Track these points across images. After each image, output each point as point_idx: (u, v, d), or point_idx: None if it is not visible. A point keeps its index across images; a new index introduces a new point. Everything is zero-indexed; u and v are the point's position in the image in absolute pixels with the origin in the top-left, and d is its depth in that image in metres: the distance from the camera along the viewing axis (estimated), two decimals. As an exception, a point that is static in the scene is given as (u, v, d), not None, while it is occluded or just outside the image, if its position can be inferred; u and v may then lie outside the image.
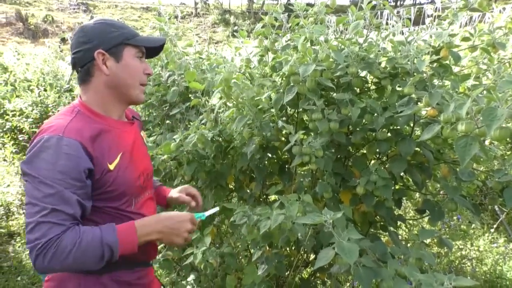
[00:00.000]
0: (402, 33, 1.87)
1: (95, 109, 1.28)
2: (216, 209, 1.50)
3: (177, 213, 1.31)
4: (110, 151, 1.23)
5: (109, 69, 1.26)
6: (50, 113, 4.39)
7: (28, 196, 1.11)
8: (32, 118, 4.48)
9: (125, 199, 1.28)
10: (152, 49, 1.40)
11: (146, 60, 1.42)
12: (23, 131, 4.61)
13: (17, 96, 4.80)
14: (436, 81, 1.57)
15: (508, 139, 1.30)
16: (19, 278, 3.42)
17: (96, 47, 1.24)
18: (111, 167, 1.22)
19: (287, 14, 1.97)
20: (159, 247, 1.82)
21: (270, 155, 2.07)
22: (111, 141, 1.25)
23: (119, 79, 1.28)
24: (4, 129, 4.80)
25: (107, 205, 1.25)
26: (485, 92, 1.42)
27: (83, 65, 1.26)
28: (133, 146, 1.34)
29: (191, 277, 2.46)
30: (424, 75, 1.45)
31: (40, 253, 1.06)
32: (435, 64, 1.64)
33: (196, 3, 34.06)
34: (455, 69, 1.82)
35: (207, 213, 1.45)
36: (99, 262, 1.13)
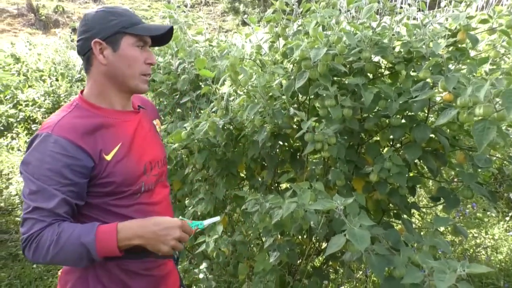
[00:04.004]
0: (415, 18, 1.82)
1: (94, 101, 1.27)
2: (217, 218, 1.37)
3: (166, 218, 1.22)
4: (107, 142, 1.22)
5: (106, 59, 1.24)
6: (62, 103, 4.42)
7: (22, 193, 1.16)
8: (45, 108, 4.52)
9: (125, 191, 1.25)
10: (159, 38, 1.34)
11: (157, 48, 1.37)
12: (36, 121, 4.66)
13: (29, 86, 4.85)
14: (452, 65, 1.52)
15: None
16: (34, 266, 3.48)
17: (94, 36, 1.22)
18: (108, 157, 1.21)
19: (297, -1, 1.93)
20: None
21: (281, 142, 2.05)
22: (109, 133, 1.24)
23: (116, 68, 1.25)
24: (18, 119, 4.86)
25: (111, 202, 1.24)
26: (503, 75, 1.38)
27: (84, 54, 1.26)
28: (135, 135, 1.31)
29: (203, 265, 2.47)
30: (440, 58, 1.40)
31: (26, 246, 1.12)
32: (451, 48, 1.60)
33: (205, -8, 33.85)
34: (472, 53, 1.77)
35: (206, 222, 1.32)
36: (80, 261, 1.12)
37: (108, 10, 1.26)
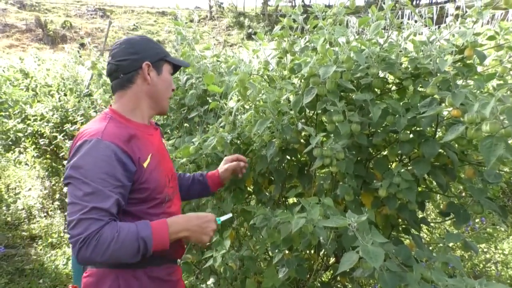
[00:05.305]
0: (421, 33, 1.83)
1: (126, 114, 1.41)
2: (230, 215, 1.57)
3: (204, 213, 1.43)
4: (141, 151, 1.35)
5: (151, 80, 1.43)
6: (70, 118, 4.46)
7: (71, 197, 1.21)
8: (53, 122, 4.56)
9: (156, 198, 1.39)
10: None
11: None
12: (44, 136, 4.69)
13: (38, 101, 4.90)
14: (459, 81, 1.53)
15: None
16: (41, 281, 3.48)
17: (144, 59, 1.41)
18: (145, 165, 1.34)
19: (305, 15, 1.95)
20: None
21: (289, 157, 2.06)
22: (141, 143, 1.37)
23: (157, 89, 1.46)
24: (26, 134, 4.89)
25: (145, 210, 1.36)
26: (509, 91, 1.38)
27: (127, 73, 1.41)
28: (159, 149, 1.47)
29: (210, 281, 2.45)
30: (447, 75, 1.41)
31: (83, 245, 1.16)
32: (458, 64, 1.61)
33: (210, 7, 34.30)
34: (479, 68, 1.78)
35: (222, 218, 1.54)
36: (136, 255, 1.22)
37: (149, 39, 1.49)
